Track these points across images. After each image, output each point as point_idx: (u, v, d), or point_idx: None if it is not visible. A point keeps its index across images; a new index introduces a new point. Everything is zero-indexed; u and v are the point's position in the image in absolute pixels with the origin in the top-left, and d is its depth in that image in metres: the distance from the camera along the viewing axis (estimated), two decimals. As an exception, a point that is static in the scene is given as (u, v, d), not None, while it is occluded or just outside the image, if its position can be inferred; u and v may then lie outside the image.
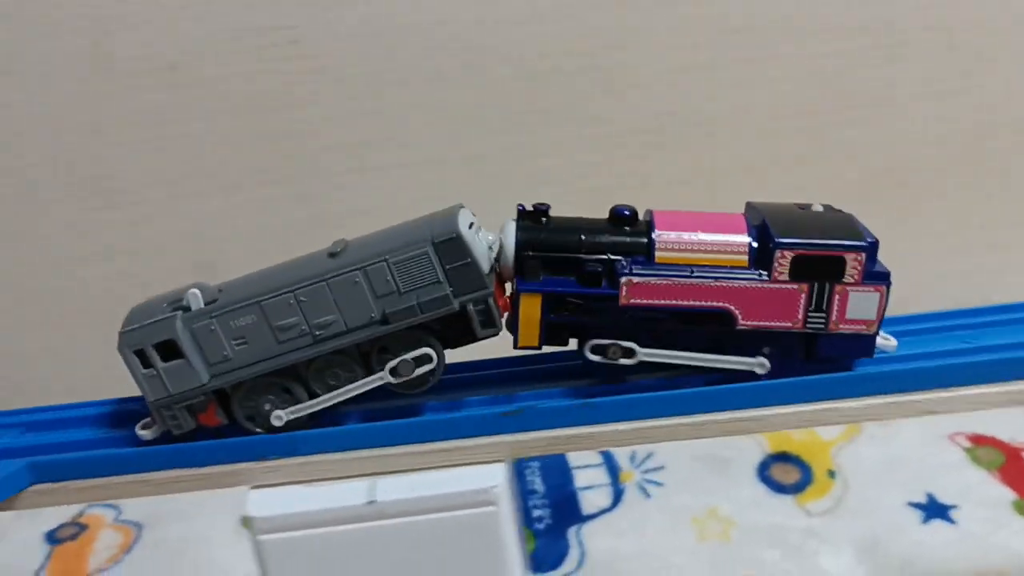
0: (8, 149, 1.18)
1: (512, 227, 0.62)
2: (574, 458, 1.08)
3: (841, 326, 0.60)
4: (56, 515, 1.12)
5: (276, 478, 0.62)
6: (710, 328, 0.61)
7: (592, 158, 1.23)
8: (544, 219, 0.62)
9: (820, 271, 0.59)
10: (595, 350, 0.62)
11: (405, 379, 0.61)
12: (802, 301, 0.60)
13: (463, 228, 0.59)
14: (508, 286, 0.63)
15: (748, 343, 0.62)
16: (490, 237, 0.62)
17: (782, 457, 1.06)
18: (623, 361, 0.62)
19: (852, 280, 0.60)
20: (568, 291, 0.61)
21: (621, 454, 1.09)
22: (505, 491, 0.60)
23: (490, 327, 0.60)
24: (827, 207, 0.64)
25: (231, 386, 0.61)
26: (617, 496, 1.03)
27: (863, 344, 0.61)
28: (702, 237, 0.61)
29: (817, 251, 0.59)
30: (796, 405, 0.62)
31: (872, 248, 0.60)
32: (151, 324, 0.60)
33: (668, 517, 0.99)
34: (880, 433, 1.06)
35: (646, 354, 0.61)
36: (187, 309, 0.61)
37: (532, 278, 0.61)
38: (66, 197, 1.21)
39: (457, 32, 1.16)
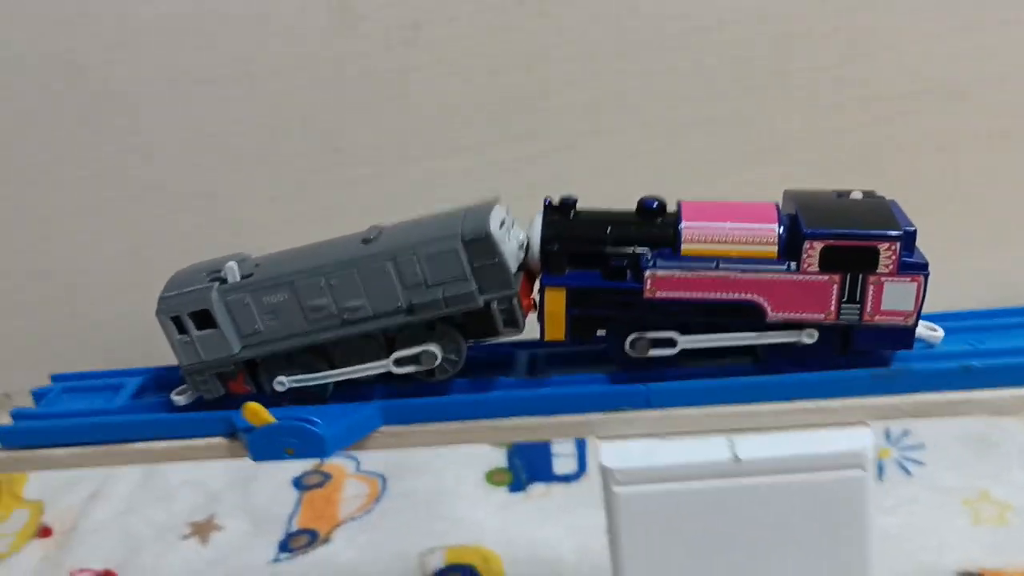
0: (248, 100, 1.21)
1: (539, 220, 0.61)
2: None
3: (877, 318, 0.58)
4: (297, 463, 1.16)
5: (630, 430, 0.61)
6: (740, 321, 0.60)
7: (834, 123, 1.19)
8: (571, 212, 0.62)
9: (852, 262, 0.57)
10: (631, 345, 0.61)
11: (425, 369, 0.62)
12: (834, 292, 0.58)
13: (494, 228, 0.59)
14: (538, 282, 0.62)
15: (777, 330, 0.60)
16: (521, 236, 0.62)
17: (1056, 440, 1.00)
18: (658, 352, 0.61)
19: (887, 271, 0.57)
20: (591, 285, 0.60)
21: (876, 429, 1.05)
22: (873, 455, 0.58)
23: (512, 326, 0.61)
24: (868, 194, 0.61)
25: (260, 358, 0.63)
26: (877, 472, 1.00)
27: (901, 336, 0.59)
28: (729, 227, 0.59)
29: (848, 241, 0.57)
30: None
31: (908, 237, 0.57)
32: (188, 293, 0.62)
33: (937, 497, 0.95)
34: None
35: (687, 341, 0.60)
36: (224, 281, 0.62)
37: (557, 272, 0.61)
38: (301, 155, 1.23)
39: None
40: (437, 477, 1.08)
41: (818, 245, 0.57)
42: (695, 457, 0.59)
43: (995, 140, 1.19)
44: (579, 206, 0.62)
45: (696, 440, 0.60)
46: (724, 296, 0.59)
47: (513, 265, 0.60)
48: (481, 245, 0.58)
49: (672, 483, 0.59)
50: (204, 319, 0.62)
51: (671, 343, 0.61)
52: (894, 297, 0.57)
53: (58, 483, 1.17)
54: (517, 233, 0.62)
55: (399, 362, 0.62)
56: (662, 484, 0.59)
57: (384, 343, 0.63)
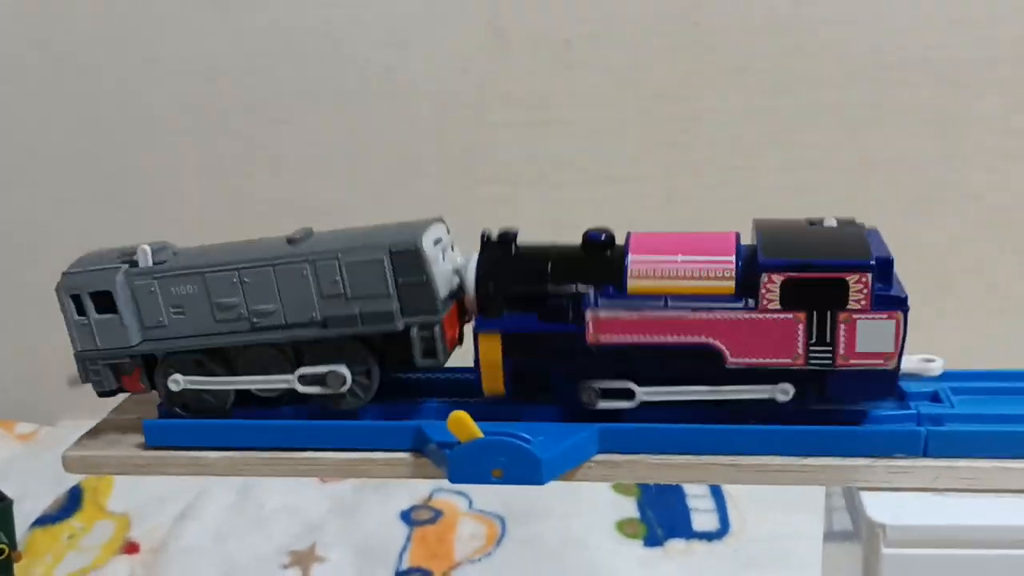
0: (386, 118, 1.16)
1: (474, 258, 0.56)
2: None
3: (852, 361, 0.51)
4: (403, 496, 1.07)
5: (903, 482, 0.52)
6: (698, 368, 0.53)
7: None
8: (512, 247, 0.55)
9: (818, 297, 0.50)
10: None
11: (331, 393, 0.56)
12: (800, 333, 0.51)
13: (426, 243, 0.54)
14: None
15: (746, 384, 0.53)
16: (459, 259, 0.57)
17: None
18: (621, 404, 0.54)
19: (859, 306, 0.50)
20: (528, 328, 0.54)
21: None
22: None
23: (430, 357, 0.55)
24: (845, 221, 0.55)
25: (161, 355, 0.59)
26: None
27: (882, 381, 0.52)
28: (680, 261, 0.53)
29: (810, 272, 0.50)
30: None
31: (882, 267, 0.50)
32: (92, 271, 0.58)
33: None
34: None
35: (647, 393, 0.54)
36: (134, 264, 0.59)
37: (492, 315, 0.55)
38: (442, 172, 1.17)
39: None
40: (563, 523, 0.98)
41: (777, 278, 0.50)
42: (989, 519, 0.50)
43: None
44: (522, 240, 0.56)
45: (986, 500, 0.51)
46: (676, 339, 0.52)
47: (443, 290, 0.55)
48: (409, 259, 0.53)
49: (957, 549, 0.50)
50: (105, 302, 0.58)
51: (629, 394, 0.53)
52: (870, 337, 0.50)
53: (145, 497, 1.09)
54: (455, 257, 0.57)
55: (304, 379, 0.57)
56: (944, 549, 0.50)
57: (293, 357, 0.57)
